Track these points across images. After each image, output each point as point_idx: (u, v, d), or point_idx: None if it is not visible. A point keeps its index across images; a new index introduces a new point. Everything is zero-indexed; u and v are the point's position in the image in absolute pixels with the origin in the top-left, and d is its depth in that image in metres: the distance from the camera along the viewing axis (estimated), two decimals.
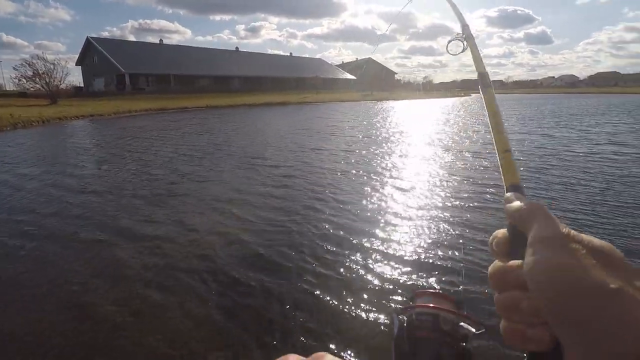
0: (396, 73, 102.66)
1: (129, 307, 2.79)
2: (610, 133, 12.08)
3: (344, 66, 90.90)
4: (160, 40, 61.64)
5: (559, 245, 0.27)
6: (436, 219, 4.47)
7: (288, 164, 7.80)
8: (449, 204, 5.01)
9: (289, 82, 62.63)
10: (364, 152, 9.20)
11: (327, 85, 66.57)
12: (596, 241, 0.27)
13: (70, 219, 4.65)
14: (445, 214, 4.65)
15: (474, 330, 0.36)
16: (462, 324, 0.37)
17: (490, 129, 0.43)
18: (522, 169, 6.86)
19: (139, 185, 6.19)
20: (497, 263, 0.32)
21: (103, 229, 4.29)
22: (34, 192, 5.93)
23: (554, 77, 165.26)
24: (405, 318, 0.37)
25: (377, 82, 71.08)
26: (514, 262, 0.30)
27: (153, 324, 2.60)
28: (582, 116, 19.20)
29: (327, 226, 4.30)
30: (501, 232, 0.34)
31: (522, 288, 0.28)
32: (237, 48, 69.74)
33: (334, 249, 3.73)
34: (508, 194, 0.35)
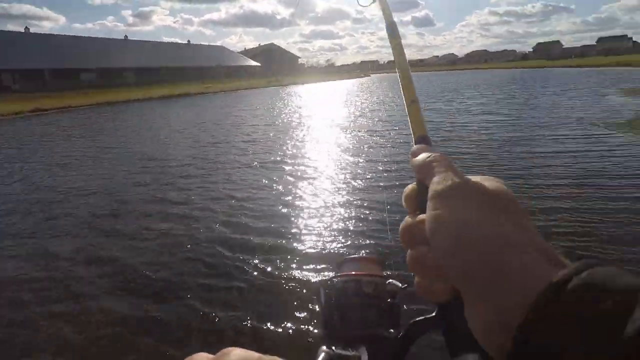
0: (299, 57, 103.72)
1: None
2: (483, 104, 14.23)
3: (247, 53, 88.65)
4: (26, 28, 52.69)
5: (452, 198, 0.27)
6: (345, 192, 4.97)
7: (186, 162, 7.49)
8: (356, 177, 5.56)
9: (189, 72, 59.05)
10: (272, 140, 9.40)
11: (231, 74, 64.40)
12: (489, 186, 0.28)
13: None
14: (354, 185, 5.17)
15: (400, 285, 0.38)
16: (389, 281, 0.38)
17: (399, 79, 0.42)
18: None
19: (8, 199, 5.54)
20: (407, 219, 0.32)
21: None
22: None
23: (437, 56, 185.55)
24: (329, 289, 0.39)
25: (281, 67, 71.03)
26: (419, 217, 0.30)
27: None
28: (463, 89, 22.01)
29: (235, 220, 4.41)
30: (410, 187, 0.34)
31: (427, 243, 0.28)
32: (126, 36, 63.22)
33: (244, 239, 3.92)
34: (414, 147, 0.34)
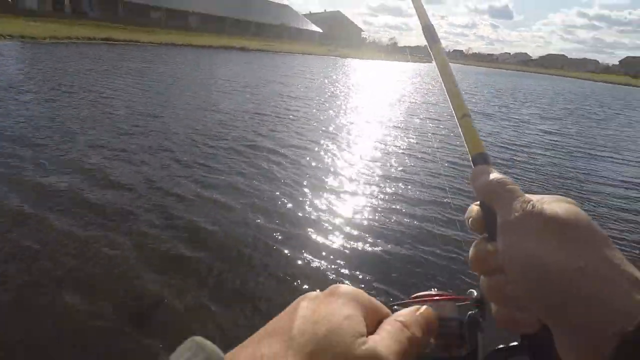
0: (363, 31, 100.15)
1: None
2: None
3: (310, 17, 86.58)
4: None
5: (523, 229, 0.26)
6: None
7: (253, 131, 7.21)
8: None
9: (251, 26, 58.43)
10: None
11: (291, 35, 63.21)
12: (563, 211, 0.26)
13: None
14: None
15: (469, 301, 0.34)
16: (461, 303, 0.33)
17: (445, 92, 0.38)
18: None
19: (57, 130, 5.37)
20: (476, 245, 0.31)
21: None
22: None
23: (509, 53, 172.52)
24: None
25: (343, 37, 68.88)
26: (491, 247, 0.29)
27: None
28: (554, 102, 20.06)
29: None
30: (475, 208, 0.32)
31: (502, 271, 0.27)
32: None
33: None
34: (474, 168, 0.33)
